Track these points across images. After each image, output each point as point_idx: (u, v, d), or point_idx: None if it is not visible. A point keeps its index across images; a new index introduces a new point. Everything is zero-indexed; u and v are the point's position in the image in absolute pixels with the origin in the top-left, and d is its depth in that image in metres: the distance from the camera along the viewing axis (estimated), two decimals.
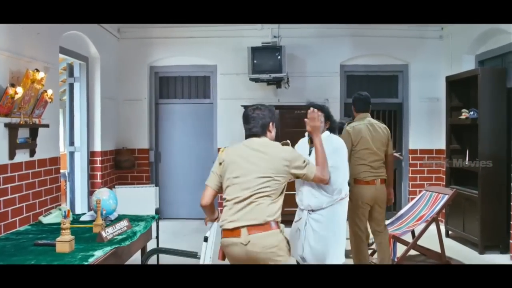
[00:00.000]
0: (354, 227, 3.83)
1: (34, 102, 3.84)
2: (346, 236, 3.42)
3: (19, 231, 3.18)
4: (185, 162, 6.73)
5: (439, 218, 4.38)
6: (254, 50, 6.03)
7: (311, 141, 3.11)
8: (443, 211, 5.02)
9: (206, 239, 2.64)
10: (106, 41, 6.03)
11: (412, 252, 4.45)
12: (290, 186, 2.88)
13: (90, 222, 3.28)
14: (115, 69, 6.37)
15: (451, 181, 5.61)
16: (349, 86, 6.65)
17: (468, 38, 5.71)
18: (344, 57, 6.53)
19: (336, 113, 6.34)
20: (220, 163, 2.58)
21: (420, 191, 5.50)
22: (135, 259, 3.38)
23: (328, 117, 3.27)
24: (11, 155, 3.67)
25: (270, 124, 2.63)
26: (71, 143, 5.65)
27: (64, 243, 2.56)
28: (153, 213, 3.95)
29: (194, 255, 2.95)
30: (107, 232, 2.87)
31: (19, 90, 3.50)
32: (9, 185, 3.67)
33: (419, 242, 4.37)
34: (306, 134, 3.22)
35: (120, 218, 3.39)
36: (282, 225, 2.50)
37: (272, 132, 2.67)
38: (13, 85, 3.49)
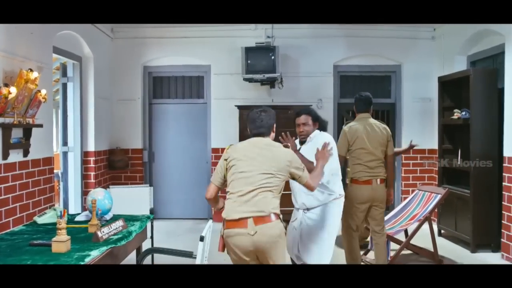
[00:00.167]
0: (347, 226, 3.85)
1: (28, 102, 3.82)
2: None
3: (13, 232, 3.16)
4: (178, 162, 6.72)
5: (431, 217, 4.43)
6: (248, 50, 6.04)
7: (301, 143, 3.42)
8: (436, 210, 5.07)
9: (202, 239, 2.65)
10: (99, 41, 6.01)
11: (405, 251, 4.50)
12: (287, 186, 2.96)
13: (85, 222, 3.27)
14: (108, 69, 6.34)
15: (444, 181, 5.67)
16: (342, 87, 6.70)
17: (460, 39, 5.77)
18: (337, 58, 6.56)
19: (330, 113, 6.40)
20: (226, 159, 2.72)
21: (413, 191, 5.56)
22: (130, 259, 3.38)
23: (316, 118, 3.44)
24: (5, 155, 3.65)
25: (274, 125, 2.85)
26: (65, 143, 5.61)
27: (60, 243, 2.55)
28: (147, 213, 3.94)
29: (190, 254, 2.96)
30: (103, 232, 2.86)
31: (13, 90, 3.47)
32: (2, 186, 3.65)
33: (412, 241, 4.41)
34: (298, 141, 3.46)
35: (115, 218, 3.39)
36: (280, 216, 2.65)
37: (274, 133, 2.86)
38: (6, 85, 3.47)
